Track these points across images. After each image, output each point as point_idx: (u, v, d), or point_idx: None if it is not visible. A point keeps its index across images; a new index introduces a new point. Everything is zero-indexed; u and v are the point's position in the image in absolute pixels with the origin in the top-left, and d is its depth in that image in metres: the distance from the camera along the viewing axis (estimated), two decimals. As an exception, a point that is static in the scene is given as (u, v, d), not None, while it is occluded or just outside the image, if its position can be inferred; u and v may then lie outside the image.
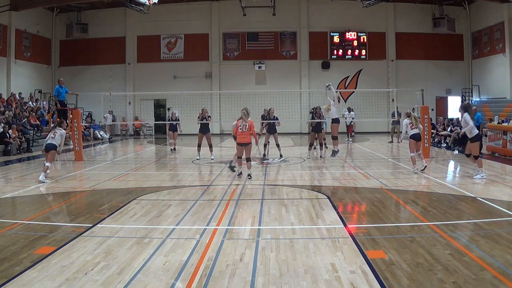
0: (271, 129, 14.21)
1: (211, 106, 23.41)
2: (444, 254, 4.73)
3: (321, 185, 9.36)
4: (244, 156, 10.27)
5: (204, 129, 13.61)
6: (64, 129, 10.91)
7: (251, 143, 10.25)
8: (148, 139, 25.26)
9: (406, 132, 11.16)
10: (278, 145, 14.08)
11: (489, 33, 24.15)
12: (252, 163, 10.22)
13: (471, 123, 9.64)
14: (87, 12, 26.76)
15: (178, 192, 8.76)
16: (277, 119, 14.28)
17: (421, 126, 11.22)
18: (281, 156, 13.85)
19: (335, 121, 12.95)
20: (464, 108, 10.10)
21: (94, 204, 7.80)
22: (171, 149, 16.36)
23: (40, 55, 25.99)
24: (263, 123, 14.51)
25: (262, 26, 26.95)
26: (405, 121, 11.24)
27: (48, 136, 10.66)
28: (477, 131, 9.97)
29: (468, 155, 10.11)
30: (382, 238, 5.40)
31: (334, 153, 12.99)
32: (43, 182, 9.72)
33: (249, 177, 10.05)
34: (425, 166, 10.85)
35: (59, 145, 10.45)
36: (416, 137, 10.93)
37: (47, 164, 10.16)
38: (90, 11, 26.73)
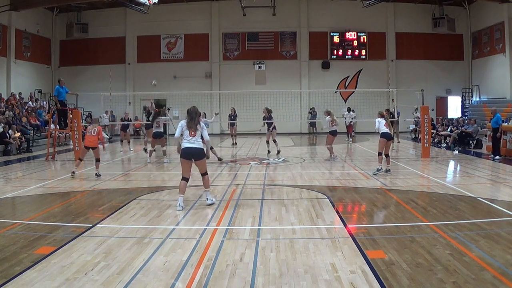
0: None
1: (211, 106, 23.43)
2: (444, 254, 4.73)
3: (321, 185, 9.35)
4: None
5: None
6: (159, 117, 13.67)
7: (97, 147, 10.92)
8: (148, 139, 25.16)
9: (327, 127, 13.23)
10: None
11: (489, 33, 24.14)
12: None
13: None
14: (87, 12, 26.75)
15: (178, 192, 8.74)
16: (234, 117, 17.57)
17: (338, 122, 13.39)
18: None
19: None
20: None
21: (94, 204, 7.80)
22: None
23: (40, 55, 25.99)
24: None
25: (262, 26, 26.94)
26: (327, 119, 13.15)
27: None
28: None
29: None
30: (382, 238, 5.40)
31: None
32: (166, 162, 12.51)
33: (97, 175, 10.68)
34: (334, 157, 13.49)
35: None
36: (334, 133, 13.22)
37: (163, 148, 13.54)
38: (90, 11, 26.73)
